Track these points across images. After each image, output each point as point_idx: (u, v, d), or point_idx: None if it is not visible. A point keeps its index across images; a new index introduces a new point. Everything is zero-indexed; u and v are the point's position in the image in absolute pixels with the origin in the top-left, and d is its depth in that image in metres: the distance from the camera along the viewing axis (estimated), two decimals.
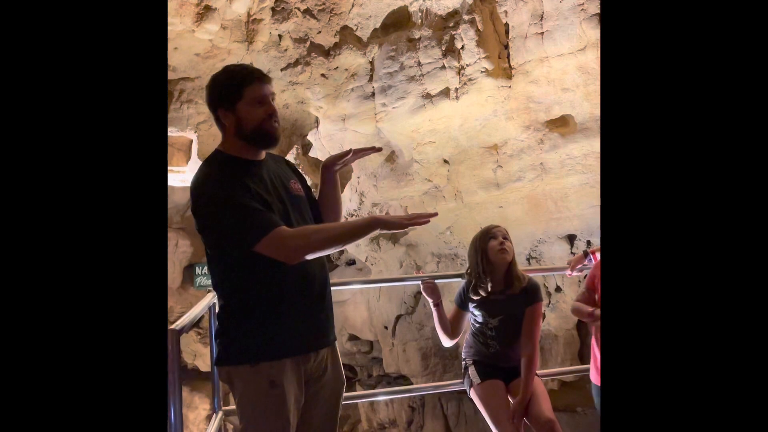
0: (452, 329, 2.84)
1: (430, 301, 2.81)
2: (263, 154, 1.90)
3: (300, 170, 5.65)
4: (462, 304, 2.84)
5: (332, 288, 1.97)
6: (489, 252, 2.71)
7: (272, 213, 1.73)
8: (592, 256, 3.01)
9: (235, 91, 1.79)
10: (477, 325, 2.79)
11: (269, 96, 1.83)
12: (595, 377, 2.69)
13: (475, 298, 2.74)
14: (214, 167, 1.81)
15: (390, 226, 1.75)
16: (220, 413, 2.59)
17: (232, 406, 2.01)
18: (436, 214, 1.83)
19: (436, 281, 2.89)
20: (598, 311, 2.56)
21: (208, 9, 4.77)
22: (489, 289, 2.71)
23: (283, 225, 1.72)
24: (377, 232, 1.82)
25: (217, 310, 1.89)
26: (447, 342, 2.85)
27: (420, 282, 2.89)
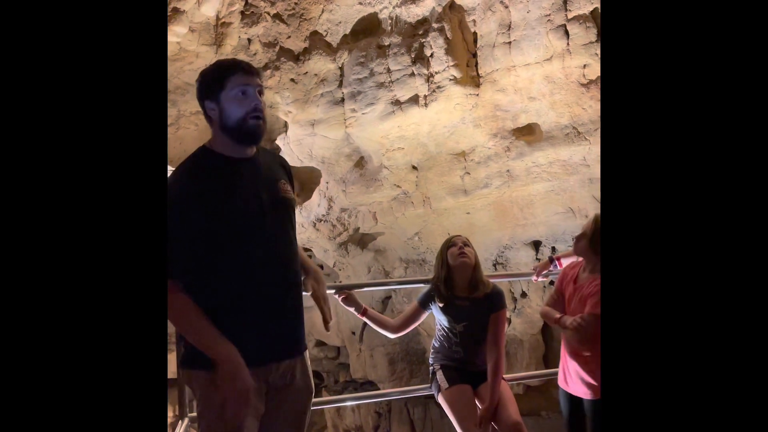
0: (403, 323, 2.88)
1: (352, 310, 2.80)
2: (253, 150, 1.83)
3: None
4: (423, 303, 2.87)
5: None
6: (449, 258, 2.79)
7: (189, 261, 1.65)
8: (557, 262, 3.07)
9: (219, 81, 1.74)
10: (443, 331, 2.83)
11: (255, 88, 1.75)
12: (563, 383, 2.67)
13: (439, 304, 2.78)
14: (189, 166, 1.75)
15: (236, 378, 1.62)
16: (186, 420, 2.55)
17: None
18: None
19: (405, 286, 2.91)
20: (565, 319, 2.54)
21: (176, 11, 4.72)
22: (447, 295, 2.77)
23: (180, 285, 1.64)
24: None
25: None
26: (392, 336, 2.91)
27: (336, 296, 2.80)
